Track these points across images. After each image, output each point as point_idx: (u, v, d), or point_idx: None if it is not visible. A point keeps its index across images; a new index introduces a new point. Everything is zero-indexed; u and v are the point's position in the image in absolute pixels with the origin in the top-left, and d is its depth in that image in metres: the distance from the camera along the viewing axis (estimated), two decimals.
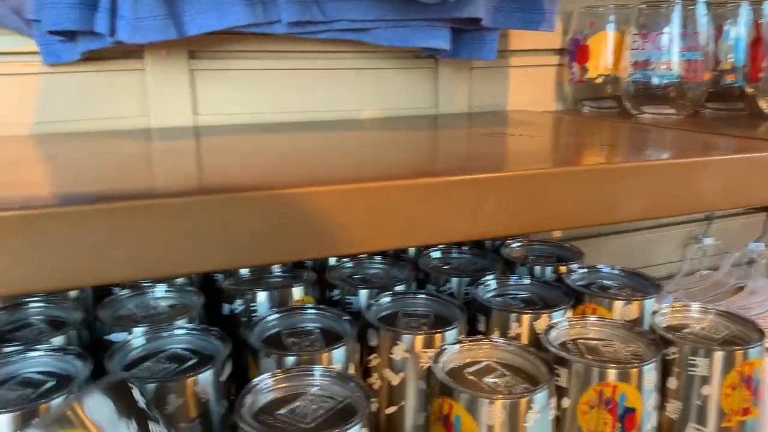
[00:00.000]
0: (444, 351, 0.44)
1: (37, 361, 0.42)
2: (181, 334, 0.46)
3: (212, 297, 0.54)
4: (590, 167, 0.40)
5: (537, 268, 0.62)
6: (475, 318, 0.52)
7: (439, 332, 0.47)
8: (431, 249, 0.66)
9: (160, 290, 0.54)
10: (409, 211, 0.35)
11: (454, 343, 0.45)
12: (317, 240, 0.34)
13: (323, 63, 0.70)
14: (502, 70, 0.78)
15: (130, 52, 0.62)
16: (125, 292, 0.54)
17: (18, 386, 0.40)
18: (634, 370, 0.43)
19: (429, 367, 0.42)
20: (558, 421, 0.44)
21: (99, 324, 0.49)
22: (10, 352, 0.42)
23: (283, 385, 0.40)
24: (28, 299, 0.52)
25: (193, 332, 0.46)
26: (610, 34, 0.72)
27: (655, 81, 0.66)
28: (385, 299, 0.52)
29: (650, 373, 0.44)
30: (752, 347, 0.46)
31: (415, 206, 0.35)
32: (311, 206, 0.33)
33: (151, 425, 0.33)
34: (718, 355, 0.46)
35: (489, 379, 0.42)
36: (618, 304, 0.53)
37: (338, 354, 0.44)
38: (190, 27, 0.57)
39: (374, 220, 0.35)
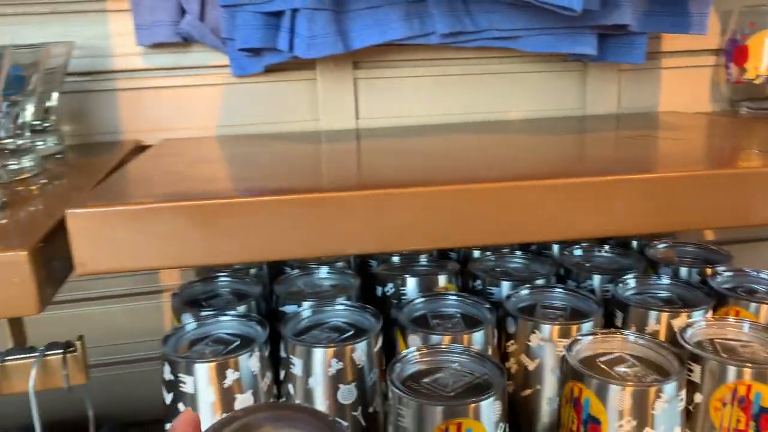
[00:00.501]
0: (578, 341, 0.46)
1: (226, 324, 0.50)
2: (341, 310, 0.52)
3: (367, 280, 0.61)
4: (719, 172, 0.41)
5: (682, 269, 0.61)
6: (613, 314, 0.53)
7: (576, 323, 0.49)
8: (573, 247, 0.67)
9: (324, 272, 0.61)
10: (547, 208, 0.39)
11: (588, 334, 0.47)
12: (460, 231, 0.39)
13: (473, 68, 0.73)
14: (654, 71, 0.77)
15: (304, 64, 0.69)
16: (295, 271, 0.61)
17: (213, 343, 0.49)
18: None
19: (563, 355, 0.45)
20: (690, 416, 0.45)
21: (275, 297, 0.57)
22: (206, 315, 0.51)
23: (428, 359, 0.45)
24: (218, 274, 0.61)
25: (351, 308, 0.52)
26: None
27: None
28: (525, 291, 0.55)
29: None
30: None
31: (552, 204, 0.39)
32: (456, 201, 0.38)
33: None
34: None
35: (620, 369, 0.44)
36: (765, 308, 0.52)
37: (478, 336, 0.49)
38: (356, 42, 0.64)
39: (514, 216, 0.39)
